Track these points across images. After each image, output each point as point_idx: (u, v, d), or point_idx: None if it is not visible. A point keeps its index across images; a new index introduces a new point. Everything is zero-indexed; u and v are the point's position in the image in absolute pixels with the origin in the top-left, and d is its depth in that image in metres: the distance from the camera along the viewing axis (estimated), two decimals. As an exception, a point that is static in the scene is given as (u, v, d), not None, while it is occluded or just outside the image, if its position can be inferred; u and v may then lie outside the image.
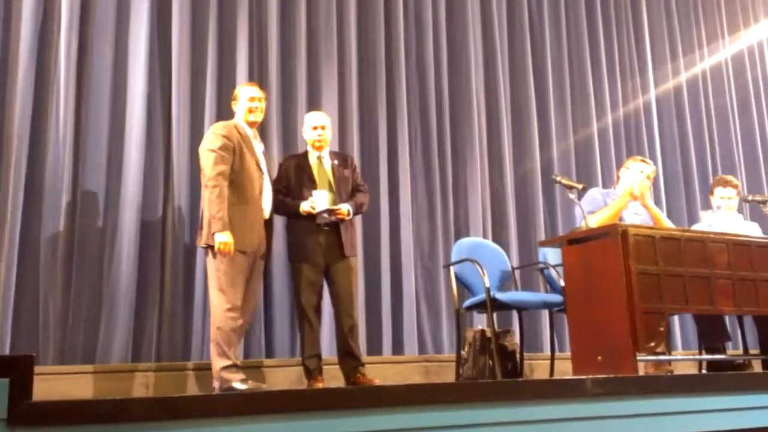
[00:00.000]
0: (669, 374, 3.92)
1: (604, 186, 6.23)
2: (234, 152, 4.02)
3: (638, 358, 3.49)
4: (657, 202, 6.76)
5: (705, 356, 4.73)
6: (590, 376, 2.86)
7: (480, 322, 5.39)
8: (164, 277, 4.58)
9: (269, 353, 4.86)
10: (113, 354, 4.31)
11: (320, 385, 4.14)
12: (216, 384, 3.81)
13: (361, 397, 2.49)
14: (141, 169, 4.61)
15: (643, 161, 4.71)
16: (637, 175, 4.56)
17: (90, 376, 4.14)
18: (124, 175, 4.55)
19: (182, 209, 4.69)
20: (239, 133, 4.12)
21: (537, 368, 5.42)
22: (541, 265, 4.96)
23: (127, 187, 4.54)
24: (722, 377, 3.39)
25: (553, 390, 2.81)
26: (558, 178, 4.34)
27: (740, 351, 5.19)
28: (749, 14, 8.26)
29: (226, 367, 3.79)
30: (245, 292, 4.00)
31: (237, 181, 4.00)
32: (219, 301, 3.86)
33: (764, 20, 8.33)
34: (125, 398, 2.06)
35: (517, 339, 4.65)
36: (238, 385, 3.73)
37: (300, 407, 2.30)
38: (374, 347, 5.27)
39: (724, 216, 4.41)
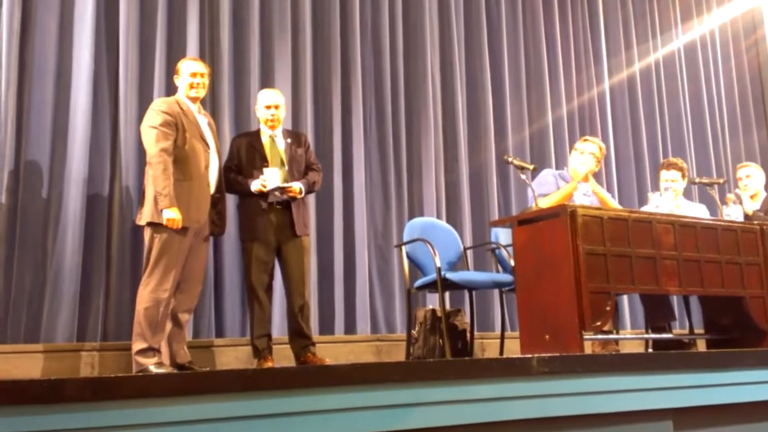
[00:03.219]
0: (613, 353, 3.98)
1: (557, 167, 6.27)
2: (176, 128, 3.94)
3: (585, 337, 3.53)
4: (609, 185, 6.85)
5: (650, 335, 4.81)
6: (536, 355, 2.88)
7: (432, 301, 5.41)
8: (111, 255, 4.49)
9: (219, 333, 4.81)
10: (58, 333, 4.22)
11: (269, 365, 4.12)
12: (133, 367, 3.76)
13: (306, 376, 2.47)
14: (87, 144, 4.49)
15: (586, 140, 4.73)
16: (581, 156, 4.60)
17: (34, 356, 4.06)
18: (69, 150, 4.43)
19: (129, 186, 4.59)
20: (180, 108, 4.03)
21: (488, 347, 5.47)
22: (493, 245, 4.99)
23: (72, 162, 4.42)
24: (665, 356, 3.45)
25: (500, 369, 2.82)
26: (510, 159, 4.35)
27: (686, 330, 5.30)
28: (702, 4, 8.36)
29: (142, 351, 3.73)
30: (187, 273, 3.94)
31: (180, 157, 3.92)
32: (151, 281, 3.79)
33: (716, 9, 8.44)
34: (58, 378, 2.00)
35: (468, 318, 4.68)
36: (153, 368, 3.68)
37: (242, 387, 2.27)
38: (326, 327, 5.26)
39: (671, 198, 4.48)
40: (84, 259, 4.38)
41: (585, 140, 4.76)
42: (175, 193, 3.81)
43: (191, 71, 4.14)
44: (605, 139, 7.08)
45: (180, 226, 3.80)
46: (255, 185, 4.24)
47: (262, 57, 5.39)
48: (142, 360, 3.72)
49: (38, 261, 4.29)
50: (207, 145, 4.07)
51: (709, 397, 3.25)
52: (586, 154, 4.59)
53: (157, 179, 3.81)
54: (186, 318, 4.04)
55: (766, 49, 8.69)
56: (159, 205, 3.79)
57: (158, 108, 3.98)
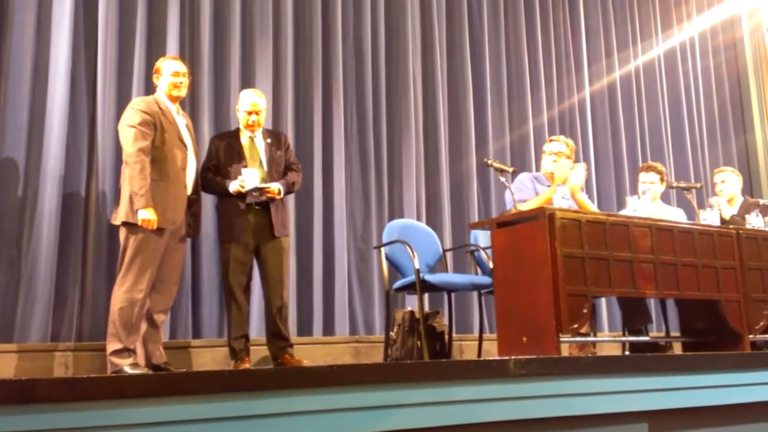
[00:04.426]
0: (590, 355, 4.00)
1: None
2: (155, 128, 3.91)
3: (562, 339, 3.54)
4: (588, 189, 6.88)
5: (627, 338, 4.84)
6: (513, 357, 2.89)
7: (411, 303, 5.40)
8: (86, 254, 4.44)
9: (196, 334, 4.78)
10: (32, 333, 4.16)
11: (246, 366, 4.10)
12: (108, 367, 3.73)
13: (282, 378, 2.45)
14: (63, 142, 4.43)
15: (552, 141, 4.75)
16: (549, 157, 4.61)
17: (7, 356, 4.00)
18: (45, 148, 4.36)
19: (106, 184, 4.54)
20: (159, 107, 4.01)
21: (467, 349, 5.47)
22: (472, 248, 5.00)
23: (48, 160, 4.35)
24: (641, 359, 3.46)
25: (476, 371, 2.82)
26: (489, 162, 4.36)
27: (663, 333, 5.34)
28: (682, 11, 8.46)
29: (116, 351, 3.71)
30: (163, 274, 3.92)
31: (158, 157, 3.89)
32: (126, 282, 3.76)
33: (696, 17, 8.54)
34: (31, 378, 1.98)
35: (446, 320, 4.68)
36: (128, 369, 3.66)
37: (218, 389, 2.25)
38: (305, 328, 5.24)
39: (648, 201, 4.51)
40: (59, 258, 4.32)
41: (551, 141, 4.77)
42: (151, 194, 3.79)
43: (173, 70, 4.12)
44: (585, 145, 7.13)
45: (155, 227, 3.78)
46: (233, 186, 4.21)
47: (243, 57, 5.36)
48: (116, 361, 3.69)
49: (13, 260, 4.23)
50: (185, 145, 4.05)
51: (684, 400, 3.27)
52: (555, 156, 4.60)
53: (133, 179, 3.78)
54: (161, 319, 4.02)
55: (745, 56, 8.80)
56: (134, 206, 3.77)
57: (137, 107, 3.95)
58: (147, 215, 3.75)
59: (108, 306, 3.88)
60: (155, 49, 4.90)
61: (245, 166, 4.28)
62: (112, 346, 3.72)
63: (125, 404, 2.05)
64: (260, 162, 4.37)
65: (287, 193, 4.43)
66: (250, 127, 4.40)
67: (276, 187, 4.26)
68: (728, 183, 5.53)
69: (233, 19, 5.31)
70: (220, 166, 4.35)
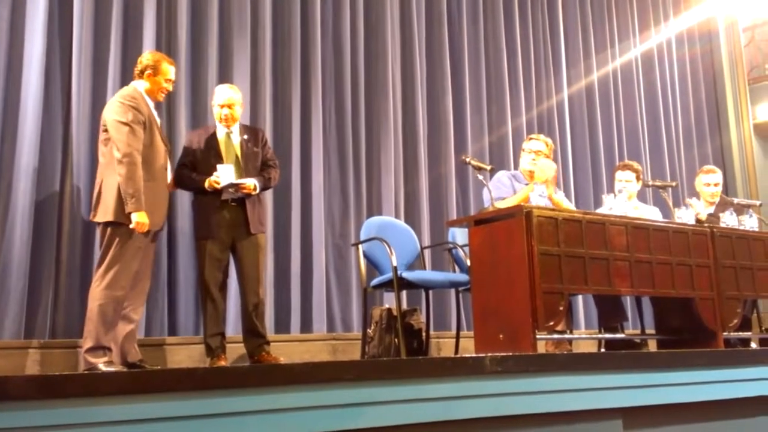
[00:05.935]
0: (565, 353, 4.02)
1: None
2: (144, 126, 3.85)
3: (538, 336, 3.56)
4: (566, 189, 6.93)
5: (602, 335, 4.88)
6: (489, 354, 2.90)
7: (389, 301, 5.41)
8: (61, 249, 4.37)
9: (172, 331, 4.74)
10: (5, 330, 4.09)
11: (222, 364, 4.08)
12: (82, 365, 3.69)
13: (257, 375, 2.45)
14: (38, 136, 4.36)
15: (531, 139, 4.77)
16: (531, 161, 4.63)
17: (-22, 353, 3.95)
18: (19, 142, 4.30)
19: (81, 179, 4.48)
20: (146, 104, 3.95)
21: (444, 346, 5.49)
22: (450, 245, 5.01)
23: (22, 153, 4.29)
24: (615, 356, 3.49)
25: (453, 368, 2.83)
26: (468, 159, 4.37)
27: (638, 331, 5.39)
28: (660, 14, 8.54)
29: (92, 349, 3.66)
30: (138, 271, 3.88)
31: (147, 157, 3.83)
32: (106, 279, 3.71)
33: (673, 19, 8.63)
34: (3, 376, 1.95)
35: (424, 318, 4.68)
36: (103, 367, 3.62)
37: (192, 386, 2.24)
38: (282, 325, 5.22)
39: (624, 199, 4.55)
40: (33, 253, 4.26)
41: (530, 139, 4.79)
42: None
43: (170, 77, 4.08)
44: (563, 144, 7.17)
45: (146, 230, 3.74)
46: (208, 182, 4.18)
47: (221, 53, 5.32)
48: (91, 359, 3.64)
49: (-16, 256, 4.18)
50: (165, 144, 4.01)
51: (658, 397, 3.30)
52: (534, 155, 4.62)
53: (128, 180, 3.70)
54: (136, 316, 3.97)
55: (721, 58, 8.91)
56: (127, 208, 3.69)
57: (128, 102, 3.85)
58: (141, 219, 3.71)
59: (82, 302, 3.84)
60: (131, 44, 4.85)
61: (221, 162, 4.25)
62: (88, 343, 3.66)
63: (100, 402, 2.03)
64: (236, 158, 4.34)
65: (264, 189, 4.41)
66: (225, 121, 4.37)
67: (251, 182, 4.23)
68: (720, 185, 5.59)
69: (211, 15, 5.27)
70: (196, 162, 4.31)
